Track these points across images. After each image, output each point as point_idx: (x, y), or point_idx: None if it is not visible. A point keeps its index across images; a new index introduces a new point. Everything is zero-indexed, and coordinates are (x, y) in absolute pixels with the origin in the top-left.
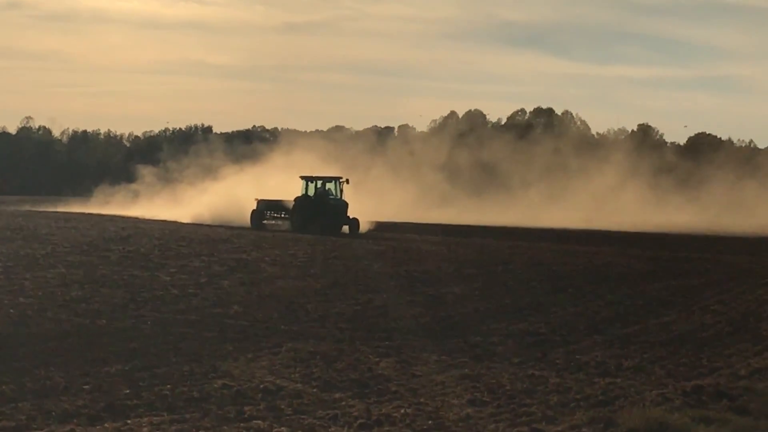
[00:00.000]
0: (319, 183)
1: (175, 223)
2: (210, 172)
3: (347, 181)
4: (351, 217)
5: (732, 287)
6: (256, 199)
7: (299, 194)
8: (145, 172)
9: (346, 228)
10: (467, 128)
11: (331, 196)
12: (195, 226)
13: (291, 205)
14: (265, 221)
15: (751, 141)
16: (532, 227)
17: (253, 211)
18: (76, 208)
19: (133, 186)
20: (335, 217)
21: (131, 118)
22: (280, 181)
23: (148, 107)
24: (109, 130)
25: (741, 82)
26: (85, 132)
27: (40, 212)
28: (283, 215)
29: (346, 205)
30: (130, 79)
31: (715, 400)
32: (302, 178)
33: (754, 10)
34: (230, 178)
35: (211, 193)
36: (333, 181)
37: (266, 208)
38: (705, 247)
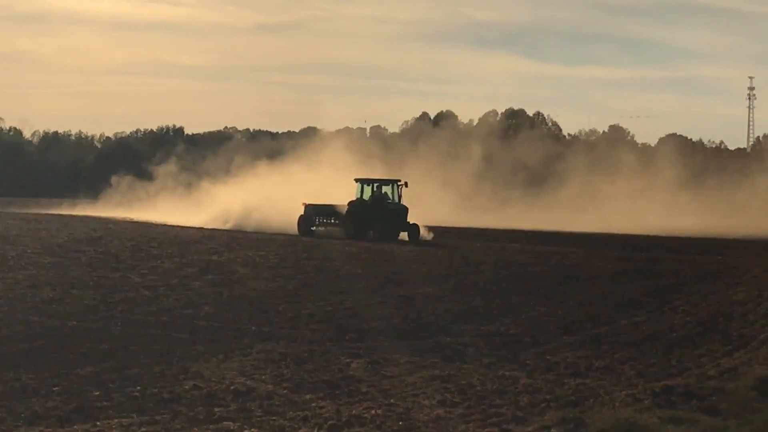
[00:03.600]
0: (375, 186)
1: (146, 224)
2: (229, 174)
3: (406, 184)
4: (411, 222)
5: (702, 288)
6: (304, 204)
7: (353, 198)
8: (161, 172)
9: (404, 235)
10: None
11: (389, 200)
12: (166, 227)
13: (344, 210)
14: (314, 228)
15: (721, 142)
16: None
17: (301, 216)
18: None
19: (152, 187)
20: (394, 223)
21: (102, 118)
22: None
23: (119, 108)
24: (80, 131)
25: (711, 83)
26: (56, 133)
27: (9, 213)
28: (333, 221)
29: (406, 210)
30: (102, 80)
31: (685, 401)
32: (357, 180)
33: (725, 11)
34: (252, 180)
35: (230, 196)
36: (390, 184)
37: (315, 213)
38: (675, 248)
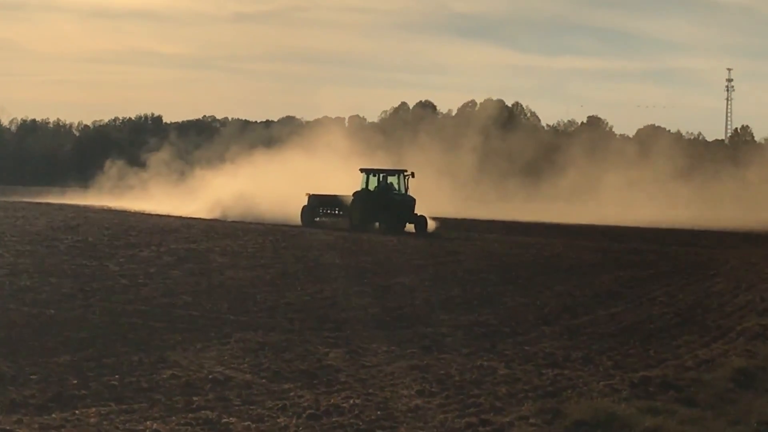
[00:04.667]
0: (381, 176)
1: (125, 212)
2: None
3: (413, 175)
4: (418, 214)
5: (679, 279)
6: (308, 194)
7: (358, 188)
8: (154, 160)
9: (410, 227)
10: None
11: (395, 191)
12: (144, 216)
13: (348, 200)
14: (317, 219)
15: (699, 133)
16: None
17: (304, 207)
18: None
19: (144, 175)
20: (401, 215)
21: (81, 106)
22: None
23: (97, 96)
24: (58, 119)
25: (690, 74)
26: (34, 121)
27: None
28: (338, 212)
29: (413, 201)
30: (80, 68)
31: (663, 392)
32: (362, 170)
33: (703, 3)
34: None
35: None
36: (396, 175)
37: (319, 204)
38: (653, 240)
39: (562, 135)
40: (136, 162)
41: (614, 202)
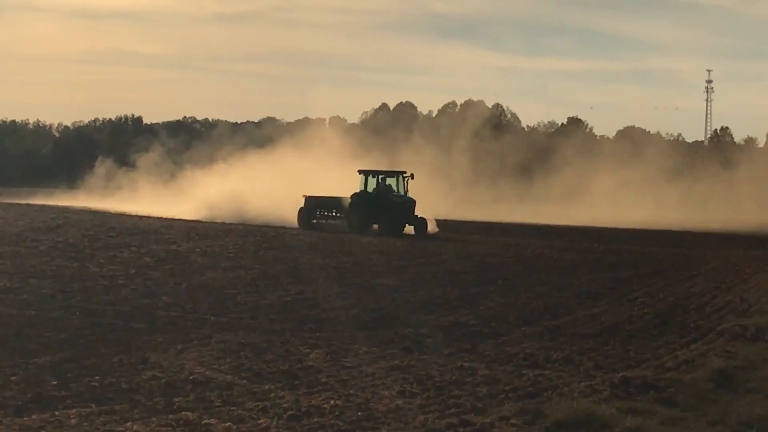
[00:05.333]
0: (380, 178)
1: (105, 213)
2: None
3: (412, 176)
4: (418, 216)
5: (660, 280)
6: (305, 196)
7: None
8: (143, 160)
9: (410, 229)
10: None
11: (394, 193)
12: (125, 216)
13: (347, 202)
14: (314, 221)
15: (679, 135)
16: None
17: (301, 209)
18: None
19: (134, 175)
20: (401, 217)
21: (61, 107)
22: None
23: (77, 97)
24: (38, 119)
25: (669, 75)
26: (14, 122)
27: None
28: (336, 214)
29: (413, 203)
30: (60, 69)
31: (643, 392)
32: (360, 172)
33: (684, 4)
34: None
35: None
36: (395, 176)
37: (316, 206)
38: (634, 240)
39: (555, 135)
40: (125, 162)
41: (605, 203)
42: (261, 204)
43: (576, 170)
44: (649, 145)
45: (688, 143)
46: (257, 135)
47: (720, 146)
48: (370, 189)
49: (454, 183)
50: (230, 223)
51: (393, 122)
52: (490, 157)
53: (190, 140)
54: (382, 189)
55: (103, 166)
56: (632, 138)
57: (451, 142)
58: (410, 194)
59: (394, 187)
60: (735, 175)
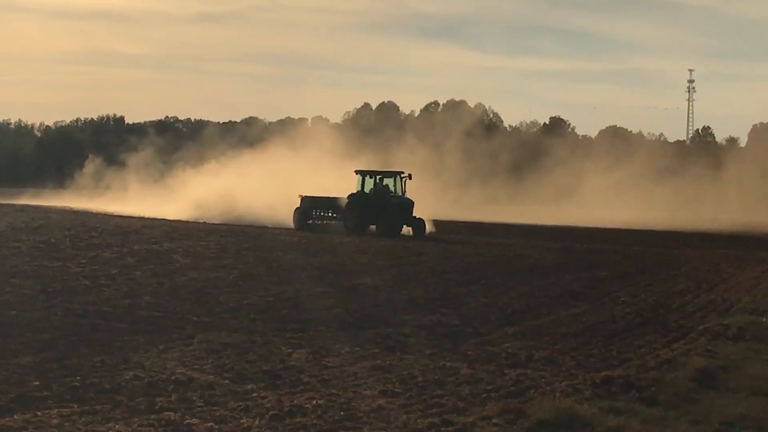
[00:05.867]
0: (377, 178)
1: (87, 213)
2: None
3: (410, 177)
4: (416, 217)
5: (642, 279)
6: (300, 196)
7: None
8: (133, 162)
9: (408, 230)
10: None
11: (392, 193)
12: (107, 217)
13: (344, 203)
14: (310, 221)
15: (661, 134)
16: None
17: (297, 209)
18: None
19: (125, 175)
20: (399, 218)
21: (42, 107)
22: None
23: (59, 97)
24: (19, 119)
25: (651, 75)
26: None
27: None
28: (332, 215)
29: (411, 203)
30: (41, 69)
31: (625, 391)
32: (357, 172)
33: (666, 4)
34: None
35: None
36: (393, 177)
37: (313, 206)
38: (617, 240)
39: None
40: (114, 161)
41: (596, 203)
42: (251, 203)
43: (567, 170)
44: (637, 145)
45: (670, 143)
46: (248, 134)
47: (704, 146)
48: (367, 189)
49: (446, 183)
50: (213, 223)
51: (378, 122)
52: (481, 158)
53: (178, 140)
54: (380, 189)
55: (92, 165)
56: (615, 137)
57: (442, 142)
58: (407, 195)
59: (392, 188)
60: (721, 175)
